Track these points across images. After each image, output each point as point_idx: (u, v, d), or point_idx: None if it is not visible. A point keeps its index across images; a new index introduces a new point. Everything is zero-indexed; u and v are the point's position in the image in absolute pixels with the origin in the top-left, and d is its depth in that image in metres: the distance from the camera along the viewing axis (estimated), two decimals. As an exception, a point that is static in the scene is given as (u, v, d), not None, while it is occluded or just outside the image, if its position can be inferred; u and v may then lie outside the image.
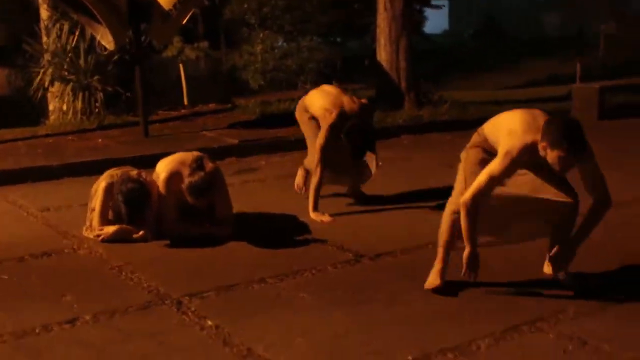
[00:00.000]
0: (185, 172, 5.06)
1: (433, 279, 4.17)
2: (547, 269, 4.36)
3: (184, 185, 5.02)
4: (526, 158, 3.84)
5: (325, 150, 5.59)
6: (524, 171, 4.05)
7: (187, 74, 11.44)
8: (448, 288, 4.15)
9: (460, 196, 3.99)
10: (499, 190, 3.99)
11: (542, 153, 3.78)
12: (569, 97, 10.54)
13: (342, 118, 5.59)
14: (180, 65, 11.50)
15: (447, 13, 32.51)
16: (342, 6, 12.64)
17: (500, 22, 26.39)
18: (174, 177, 5.13)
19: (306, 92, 6.46)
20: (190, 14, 8.31)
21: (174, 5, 7.93)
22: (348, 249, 4.93)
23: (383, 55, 9.89)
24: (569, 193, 4.06)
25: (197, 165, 5.08)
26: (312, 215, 5.60)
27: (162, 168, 5.27)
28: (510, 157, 3.81)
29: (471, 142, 4.22)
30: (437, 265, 4.18)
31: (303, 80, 12.39)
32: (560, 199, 4.04)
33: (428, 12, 20.27)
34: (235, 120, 9.65)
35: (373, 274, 4.53)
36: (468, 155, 4.17)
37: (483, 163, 4.01)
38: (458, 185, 4.17)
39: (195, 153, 5.31)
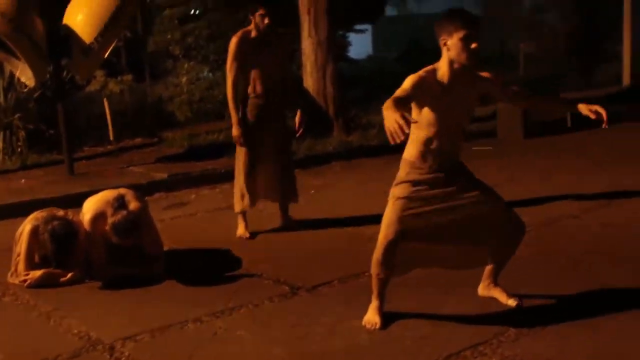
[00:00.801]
0: (109, 211, 4.92)
1: (372, 316, 4.08)
2: (482, 291, 4.36)
3: (107, 227, 4.88)
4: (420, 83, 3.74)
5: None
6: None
7: (112, 108, 11.22)
8: (387, 318, 4.09)
9: (388, 227, 3.91)
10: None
11: (447, 56, 3.77)
12: (494, 116, 10.66)
13: None
14: (105, 100, 11.28)
15: (371, 38, 32.77)
16: (266, 34, 12.58)
17: (424, 45, 26.75)
18: (99, 217, 4.98)
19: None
20: (111, 47, 8.14)
21: (95, 39, 7.77)
22: (284, 281, 4.84)
23: (310, 81, 9.87)
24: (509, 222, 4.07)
25: (119, 204, 4.94)
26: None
27: (87, 208, 5.11)
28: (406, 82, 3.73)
29: None
30: (375, 301, 4.09)
31: (230, 111, 12.29)
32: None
33: (352, 37, 20.40)
34: (163, 154, 9.49)
35: (311, 306, 4.44)
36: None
37: None
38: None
39: (120, 191, 5.17)
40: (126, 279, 4.94)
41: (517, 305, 4.20)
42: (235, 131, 5.78)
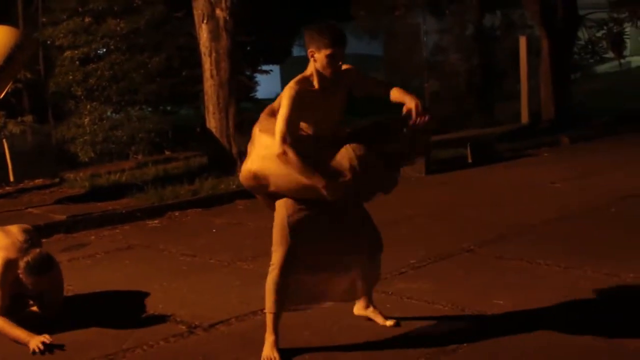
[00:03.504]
0: (18, 254, 4.63)
1: (269, 353, 4.09)
2: (358, 311, 4.55)
3: (20, 270, 4.57)
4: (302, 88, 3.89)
5: None
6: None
7: (14, 149, 10.97)
8: (285, 354, 4.11)
9: (279, 247, 4.02)
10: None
11: (313, 65, 3.90)
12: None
13: None
14: (4, 141, 11.02)
15: (279, 77, 33.05)
16: (170, 75, 12.57)
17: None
18: (8, 265, 4.62)
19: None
20: (6, 89, 7.97)
21: (-10, 81, 7.60)
22: (181, 320, 4.80)
23: (212, 122, 9.88)
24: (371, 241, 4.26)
25: (31, 243, 4.72)
26: None
27: None
28: (287, 98, 3.84)
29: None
30: (269, 337, 4.11)
31: (135, 151, 12.19)
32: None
33: (260, 77, 20.55)
34: (63, 195, 9.29)
35: (208, 346, 4.41)
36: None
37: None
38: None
39: (22, 227, 4.95)
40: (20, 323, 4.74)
41: (394, 324, 4.42)
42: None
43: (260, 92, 22.11)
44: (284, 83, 33.49)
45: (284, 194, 3.99)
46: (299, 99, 3.85)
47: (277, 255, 4.03)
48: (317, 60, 3.90)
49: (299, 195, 3.94)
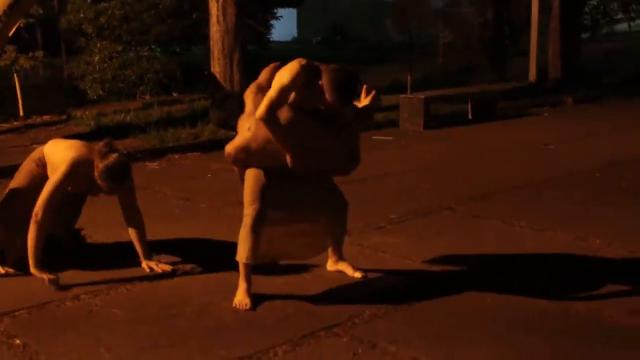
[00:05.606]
0: (96, 156, 4.64)
1: (242, 298, 4.37)
2: (331, 266, 4.84)
3: (97, 172, 4.61)
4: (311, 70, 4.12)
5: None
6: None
7: (24, 83, 11.22)
8: (257, 299, 4.39)
9: (250, 205, 4.32)
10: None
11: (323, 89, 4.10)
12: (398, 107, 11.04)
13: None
14: (15, 75, 11.26)
15: (296, 20, 32.99)
16: (180, 16, 12.72)
17: (347, 29, 27.11)
18: (82, 162, 4.67)
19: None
20: (16, 25, 8.21)
21: (-1, 18, 7.83)
22: (165, 262, 5.05)
23: (217, 67, 10.09)
24: (333, 201, 4.54)
25: (109, 148, 4.69)
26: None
27: (62, 157, 4.76)
28: (291, 71, 4.10)
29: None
30: (242, 284, 4.40)
31: (142, 91, 12.41)
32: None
33: (277, 20, 20.55)
34: (69, 132, 9.57)
35: (187, 288, 4.69)
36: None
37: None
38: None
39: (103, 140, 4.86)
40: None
41: (362, 277, 4.71)
42: None
43: (277, 35, 22.19)
44: (300, 25, 33.44)
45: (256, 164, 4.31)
46: (303, 77, 4.10)
47: (248, 210, 4.34)
48: (325, 94, 4.10)
49: (268, 163, 4.27)
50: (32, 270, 4.66)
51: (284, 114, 4.14)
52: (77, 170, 4.70)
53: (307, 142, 4.22)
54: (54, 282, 4.59)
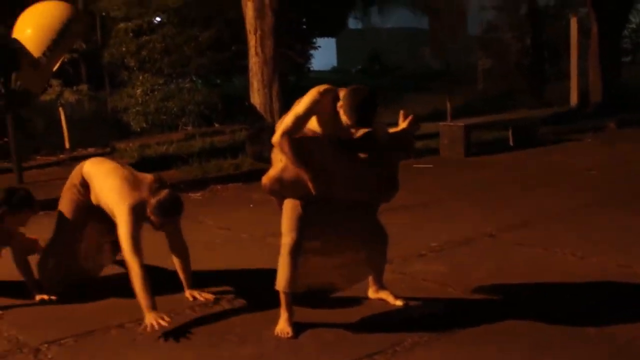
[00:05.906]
0: (146, 195, 4.66)
1: (283, 327, 4.40)
2: (372, 294, 4.83)
3: (150, 208, 4.61)
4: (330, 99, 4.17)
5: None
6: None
7: (70, 117, 11.46)
8: (298, 328, 4.40)
9: (288, 235, 4.34)
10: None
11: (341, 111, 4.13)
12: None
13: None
14: (60, 109, 11.52)
15: (335, 50, 33.24)
16: (220, 49, 12.92)
17: (384, 58, 27.24)
18: (139, 207, 4.63)
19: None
20: (60, 60, 8.41)
21: (44, 53, 8.02)
22: (208, 291, 5.09)
23: (257, 98, 10.21)
24: (374, 233, 4.57)
25: (160, 184, 4.74)
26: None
27: (114, 200, 4.74)
28: (309, 97, 4.15)
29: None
30: (283, 314, 4.43)
31: (184, 122, 12.59)
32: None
33: (316, 50, 20.71)
34: (113, 164, 9.69)
35: (230, 316, 4.72)
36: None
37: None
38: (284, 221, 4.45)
39: (150, 175, 4.91)
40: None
41: (403, 305, 4.71)
42: None
43: (317, 64, 22.34)
44: (339, 55, 33.67)
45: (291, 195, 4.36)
46: (319, 105, 4.15)
47: (286, 240, 4.37)
48: (340, 112, 4.14)
49: (302, 192, 4.29)
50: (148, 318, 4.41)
51: (301, 140, 4.18)
52: (138, 213, 4.64)
53: (330, 168, 4.26)
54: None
